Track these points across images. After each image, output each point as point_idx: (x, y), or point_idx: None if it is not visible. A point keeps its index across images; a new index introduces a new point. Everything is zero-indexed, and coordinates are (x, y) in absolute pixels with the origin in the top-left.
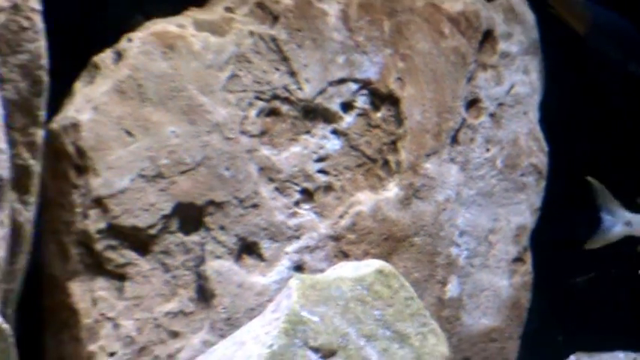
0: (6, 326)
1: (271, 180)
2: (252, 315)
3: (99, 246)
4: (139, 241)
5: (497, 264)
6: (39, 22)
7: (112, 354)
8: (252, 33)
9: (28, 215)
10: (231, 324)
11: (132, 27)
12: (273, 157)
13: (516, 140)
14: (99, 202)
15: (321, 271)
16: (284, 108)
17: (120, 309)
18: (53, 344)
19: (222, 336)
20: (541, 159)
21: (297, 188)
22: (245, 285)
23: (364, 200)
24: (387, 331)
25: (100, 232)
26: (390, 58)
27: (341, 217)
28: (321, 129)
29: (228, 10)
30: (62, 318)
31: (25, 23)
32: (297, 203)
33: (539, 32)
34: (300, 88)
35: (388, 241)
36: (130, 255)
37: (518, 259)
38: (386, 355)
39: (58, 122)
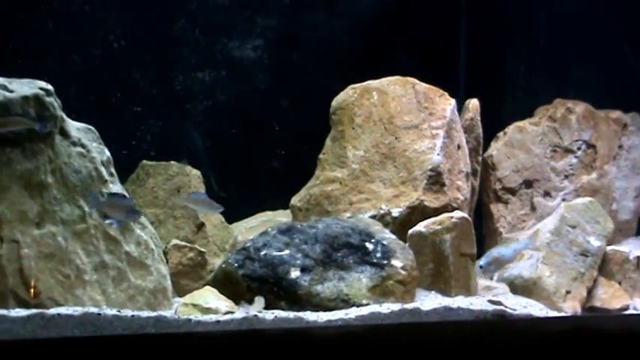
0: (469, 219)
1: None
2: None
3: (499, 193)
4: (512, 190)
5: (629, 198)
6: (478, 127)
7: (502, 228)
8: (547, 126)
9: (475, 184)
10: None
11: (507, 124)
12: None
13: (636, 158)
14: (500, 180)
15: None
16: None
17: (504, 213)
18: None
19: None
20: None
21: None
22: (547, 208)
23: (585, 178)
24: (593, 221)
25: (499, 189)
26: (593, 132)
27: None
28: (572, 158)
29: (539, 119)
30: (487, 216)
31: (475, 128)
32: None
33: None
34: (563, 142)
35: (588, 192)
36: (507, 196)
37: (637, 196)
38: (594, 228)
39: (487, 154)
